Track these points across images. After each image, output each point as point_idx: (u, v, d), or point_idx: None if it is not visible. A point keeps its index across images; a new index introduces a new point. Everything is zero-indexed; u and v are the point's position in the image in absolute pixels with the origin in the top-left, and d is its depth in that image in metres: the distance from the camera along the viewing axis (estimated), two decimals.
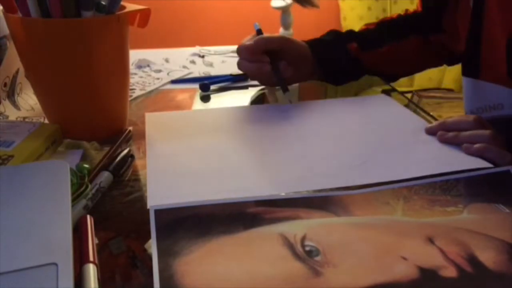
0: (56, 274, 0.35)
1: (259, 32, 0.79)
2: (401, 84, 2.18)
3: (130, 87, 0.82)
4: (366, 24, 0.85)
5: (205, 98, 0.79)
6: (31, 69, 0.60)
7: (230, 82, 0.85)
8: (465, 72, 0.72)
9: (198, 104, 0.77)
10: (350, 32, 0.81)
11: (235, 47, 0.75)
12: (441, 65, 0.88)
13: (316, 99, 0.78)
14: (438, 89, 2.02)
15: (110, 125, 0.63)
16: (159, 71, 0.91)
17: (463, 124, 0.58)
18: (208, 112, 0.73)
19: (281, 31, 1.47)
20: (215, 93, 0.81)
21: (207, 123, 0.67)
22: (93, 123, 0.61)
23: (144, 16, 0.64)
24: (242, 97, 0.80)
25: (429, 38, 0.81)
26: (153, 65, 0.94)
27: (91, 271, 0.38)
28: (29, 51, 0.58)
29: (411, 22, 0.82)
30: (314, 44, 0.78)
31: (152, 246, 0.41)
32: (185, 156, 0.57)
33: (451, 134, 0.58)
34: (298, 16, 1.54)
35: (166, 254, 0.40)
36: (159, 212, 0.45)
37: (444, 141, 0.58)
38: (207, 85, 0.81)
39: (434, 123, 0.62)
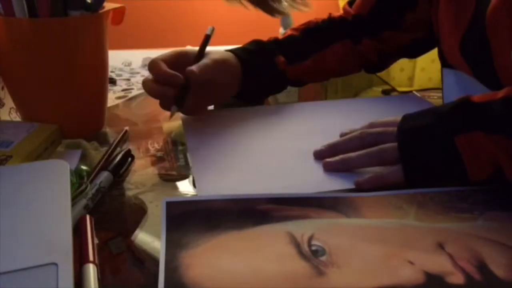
0: (56, 274, 0.35)
1: (206, 38, 0.68)
2: (401, 84, 2.17)
3: (128, 87, 0.82)
4: (291, 29, 0.78)
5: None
6: (10, 67, 0.59)
7: None
8: (445, 64, 0.67)
9: None
10: (275, 42, 0.74)
11: (231, 47, 0.73)
12: (359, 71, 0.81)
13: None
14: (438, 89, 2.02)
15: (88, 124, 0.64)
16: None
17: (352, 143, 0.54)
18: (240, 111, 0.72)
19: (281, 31, 1.47)
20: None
21: (238, 122, 0.67)
22: (72, 122, 0.61)
23: (119, 14, 0.64)
24: None
25: (362, 42, 0.75)
26: None
27: (91, 271, 0.37)
28: (11, 51, 0.58)
29: (336, 28, 0.77)
30: (240, 53, 0.70)
31: (161, 237, 0.41)
32: (224, 152, 0.58)
33: (338, 159, 0.53)
34: (298, 16, 1.53)
35: (173, 246, 0.40)
36: (170, 204, 0.46)
37: (333, 170, 0.53)
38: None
39: (322, 146, 0.56)
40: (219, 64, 0.66)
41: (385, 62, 0.79)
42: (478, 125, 0.47)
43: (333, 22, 0.78)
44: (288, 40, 0.75)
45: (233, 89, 0.70)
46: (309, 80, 0.77)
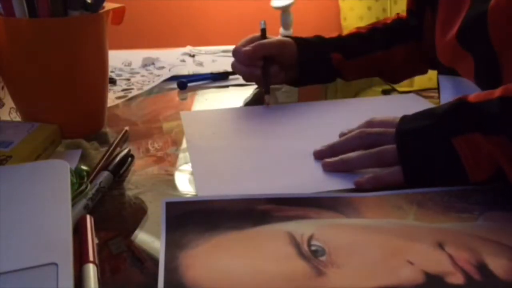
0: (56, 274, 0.35)
1: (263, 32, 0.79)
2: (401, 84, 2.17)
3: (128, 87, 0.82)
4: (357, 28, 0.82)
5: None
6: (10, 67, 0.59)
7: (210, 81, 0.86)
8: (442, 71, 0.70)
9: (198, 103, 0.77)
10: (338, 39, 0.80)
11: (227, 47, 0.74)
12: (425, 72, 0.85)
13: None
14: (438, 89, 2.02)
15: (88, 124, 0.64)
16: (162, 67, 0.91)
17: (351, 143, 0.55)
18: (240, 111, 0.73)
19: (281, 31, 1.47)
20: (192, 91, 0.82)
21: (239, 121, 0.68)
22: (72, 122, 0.61)
23: (119, 14, 0.65)
24: (223, 96, 0.81)
25: (416, 44, 0.79)
26: (158, 62, 0.94)
27: (91, 271, 0.37)
28: (11, 51, 0.58)
29: (401, 28, 0.81)
30: (301, 45, 0.77)
31: (161, 237, 0.41)
32: (224, 152, 0.58)
33: (338, 160, 0.53)
34: (298, 16, 1.54)
35: (173, 246, 0.40)
36: (170, 205, 0.46)
37: (332, 170, 0.53)
38: (185, 83, 0.83)
39: (322, 146, 0.57)
40: (279, 43, 0.76)
41: None
42: (476, 127, 0.47)
43: (400, 22, 0.82)
44: (353, 36, 0.80)
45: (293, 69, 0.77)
46: (370, 75, 0.82)
